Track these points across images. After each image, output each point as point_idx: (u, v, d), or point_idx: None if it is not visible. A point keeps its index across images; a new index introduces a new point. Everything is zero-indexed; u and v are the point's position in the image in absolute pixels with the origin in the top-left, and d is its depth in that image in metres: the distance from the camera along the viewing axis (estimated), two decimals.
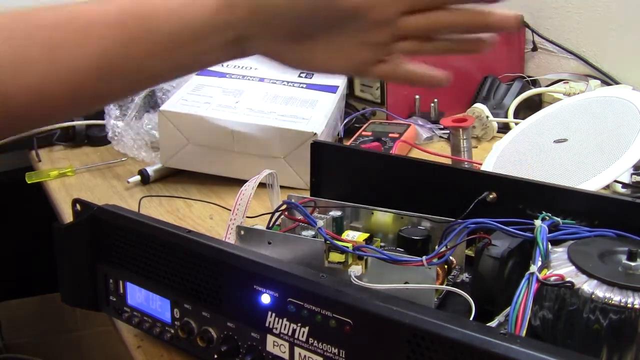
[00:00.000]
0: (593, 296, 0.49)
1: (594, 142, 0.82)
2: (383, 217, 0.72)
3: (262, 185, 0.74)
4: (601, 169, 0.77)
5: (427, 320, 0.43)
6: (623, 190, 0.85)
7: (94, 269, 0.63)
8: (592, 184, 0.76)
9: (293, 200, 0.71)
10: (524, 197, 0.65)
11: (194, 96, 1.04)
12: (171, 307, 0.58)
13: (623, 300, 0.48)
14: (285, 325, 0.50)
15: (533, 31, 1.32)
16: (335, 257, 0.58)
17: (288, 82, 1.11)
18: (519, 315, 0.48)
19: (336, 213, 0.72)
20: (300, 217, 0.68)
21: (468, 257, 0.67)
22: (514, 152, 0.90)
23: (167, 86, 1.14)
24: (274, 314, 0.51)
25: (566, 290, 0.51)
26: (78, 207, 0.63)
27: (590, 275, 0.51)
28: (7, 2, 1.43)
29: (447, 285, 0.64)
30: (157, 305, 0.59)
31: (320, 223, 0.61)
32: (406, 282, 0.58)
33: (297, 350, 0.50)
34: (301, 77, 1.12)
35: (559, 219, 0.59)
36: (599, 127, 0.85)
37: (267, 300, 0.51)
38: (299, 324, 0.49)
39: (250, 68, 1.14)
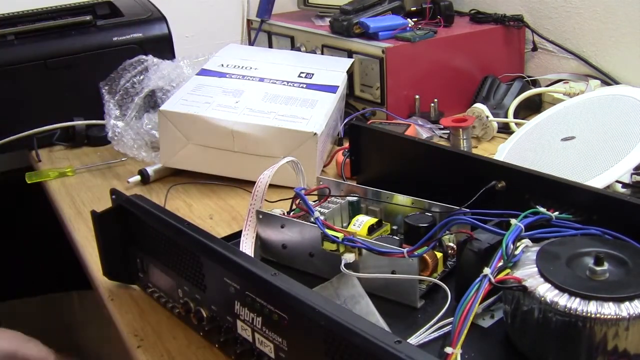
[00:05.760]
0: (542, 299, 0.51)
1: (601, 140, 0.83)
2: (401, 201, 0.75)
3: None
4: (608, 167, 0.79)
5: (338, 323, 0.46)
6: (623, 190, 0.85)
7: (127, 249, 0.72)
8: (598, 181, 0.77)
9: (314, 185, 0.78)
10: (531, 189, 0.68)
11: (194, 96, 1.04)
12: (177, 288, 0.65)
13: (568, 306, 0.50)
14: (247, 313, 0.56)
15: (533, 31, 1.32)
16: (328, 245, 0.64)
17: (288, 82, 1.11)
18: (463, 313, 0.50)
19: (353, 198, 0.77)
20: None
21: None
22: (522, 149, 0.91)
23: (167, 86, 1.14)
24: (239, 303, 0.57)
25: (519, 292, 0.53)
26: (114, 196, 0.71)
27: (546, 279, 0.52)
28: (7, 3, 1.42)
29: (445, 270, 0.68)
30: (169, 285, 0.67)
31: (317, 214, 0.66)
32: (393, 272, 0.63)
33: (257, 335, 0.56)
34: (301, 77, 1.12)
35: (551, 214, 0.61)
36: (606, 125, 0.85)
37: (233, 291, 0.57)
38: (255, 314, 0.55)
39: (250, 68, 1.14)
